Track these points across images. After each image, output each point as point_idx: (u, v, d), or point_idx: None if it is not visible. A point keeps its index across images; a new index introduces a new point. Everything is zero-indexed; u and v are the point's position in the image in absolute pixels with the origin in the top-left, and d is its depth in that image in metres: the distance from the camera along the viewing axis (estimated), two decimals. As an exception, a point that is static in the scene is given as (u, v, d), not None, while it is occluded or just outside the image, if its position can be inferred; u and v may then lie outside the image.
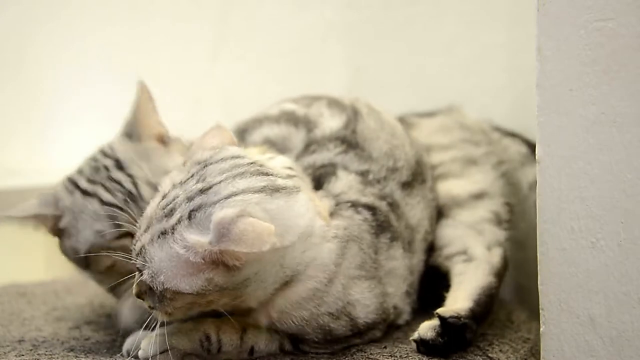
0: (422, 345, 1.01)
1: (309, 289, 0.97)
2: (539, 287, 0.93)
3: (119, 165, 1.12)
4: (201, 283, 0.88)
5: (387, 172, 1.12)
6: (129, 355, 1.02)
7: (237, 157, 0.97)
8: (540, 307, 0.93)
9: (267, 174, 0.95)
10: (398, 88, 1.62)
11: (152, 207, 0.95)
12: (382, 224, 1.07)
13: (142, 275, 0.91)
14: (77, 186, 1.12)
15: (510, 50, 1.47)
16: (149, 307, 0.94)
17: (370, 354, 1.01)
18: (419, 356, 1.00)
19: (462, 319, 1.01)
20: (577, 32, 0.88)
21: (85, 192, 1.11)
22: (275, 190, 0.93)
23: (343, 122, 1.16)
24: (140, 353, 0.97)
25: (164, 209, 0.92)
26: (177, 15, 1.98)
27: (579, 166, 0.89)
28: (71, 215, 1.10)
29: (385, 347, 1.04)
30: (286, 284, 0.96)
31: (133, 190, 1.09)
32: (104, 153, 1.15)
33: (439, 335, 1.00)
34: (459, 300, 1.07)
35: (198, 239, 0.87)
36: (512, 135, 1.38)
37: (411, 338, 1.02)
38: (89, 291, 1.50)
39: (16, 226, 1.13)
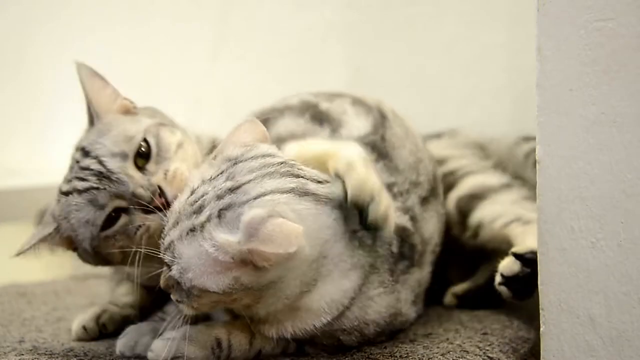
0: (509, 282, 1.07)
1: (325, 312, 0.96)
2: (539, 287, 0.93)
3: (85, 153, 1.10)
4: (228, 282, 0.88)
5: (410, 186, 1.12)
6: (123, 356, 1.02)
7: (268, 155, 0.96)
8: (540, 307, 0.93)
9: (297, 176, 0.93)
10: (398, 88, 1.62)
11: (181, 201, 0.94)
12: (405, 253, 1.06)
13: (170, 270, 0.91)
14: (61, 192, 1.10)
15: (510, 50, 1.47)
16: (177, 300, 0.94)
17: (371, 354, 1.01)
18: (419, 356, 1.00)
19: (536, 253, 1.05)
20: (577, 32, 0.87)
21: (66, 193, 1.09)
22: (305, 193, 0.92)
23: (371, 125, 1.14)
24: (149, 354, 0.97)
25: (192, 205, 0.91)
26: (177, 15, 1.98)
27: (579, 166, 0.89)
28: (65, 221, 1.08)
29: (385, 347, 1.04)
30: (300, 301, 0.95)
31: (101, 168, 1.06)
32: (75, 149, 1.13)
33: (522, 268, 1.07)
34: (527, 241, 1.11)
35: (227, 238, 0.86)
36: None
37: (497, 282, 1.09)
38: (89, 291, 1.51)
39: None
